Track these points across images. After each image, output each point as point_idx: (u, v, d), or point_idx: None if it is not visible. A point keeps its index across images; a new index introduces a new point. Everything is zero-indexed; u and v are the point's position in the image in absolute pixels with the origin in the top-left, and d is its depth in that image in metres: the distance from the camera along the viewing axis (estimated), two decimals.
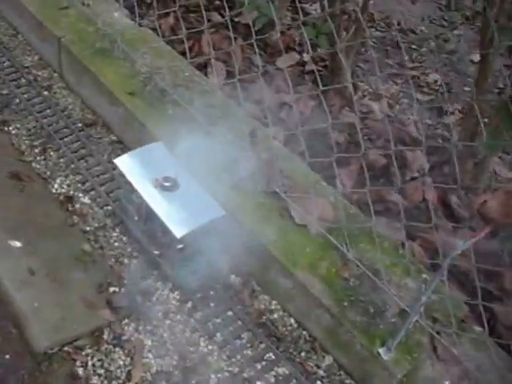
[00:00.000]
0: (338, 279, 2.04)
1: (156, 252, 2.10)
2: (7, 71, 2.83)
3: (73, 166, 2.45)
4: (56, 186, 2.38)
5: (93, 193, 2.37)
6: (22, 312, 1.96)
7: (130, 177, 2.04)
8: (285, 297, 2.11)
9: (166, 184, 2.00)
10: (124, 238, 2.25)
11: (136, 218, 2.14)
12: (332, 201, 2.23)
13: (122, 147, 2.52)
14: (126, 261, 2.18)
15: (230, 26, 2.46)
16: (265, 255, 2.09)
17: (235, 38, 3.06)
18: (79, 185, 2.40)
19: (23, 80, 2.80)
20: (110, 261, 2.18)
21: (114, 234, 2.26)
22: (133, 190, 2.05)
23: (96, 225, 2.28)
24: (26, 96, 2.72)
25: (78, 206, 2.33)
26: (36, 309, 1.97)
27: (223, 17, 3.23)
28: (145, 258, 2.16)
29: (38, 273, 2.07)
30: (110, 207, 2.33)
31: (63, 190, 2.37)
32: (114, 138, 2.59)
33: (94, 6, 2.86)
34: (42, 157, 2.48)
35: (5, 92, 2.73)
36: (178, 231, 1.91)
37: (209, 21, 3.19)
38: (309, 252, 2.08)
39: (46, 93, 2.75)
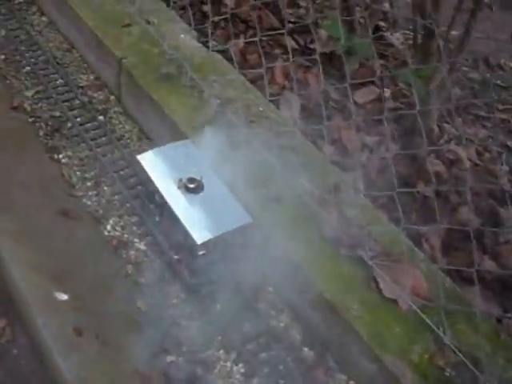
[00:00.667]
0: (431, 368, 1.74)
1: (176, 257, 1.94)
2: (60, 90, 2.59)
3: (128, 205, 2.18)
4: (109, 227, 2.12)
5: (150, 238, 2.10)
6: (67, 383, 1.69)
7: (152, 175, 1.94)
8: (366, 380, 1.82)
9: (190, 186, 1.89)
10: (183, 295, 1.97)
11: (157, 219, 2.02)
12: (424, 269, 1.93)
13: None
14: (184, 323, 1.91)
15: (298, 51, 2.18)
16: (346, 331, 1.80)
17: (311, 67, 2.81)
18: (135, 228, 2.13)
19: (77, 101, 2.55)
20: (166, 322, 1.90)
21: (172, 290, 1.99)
22: (155, 191, 1.95)
23: (152, 277, 2.00)
24: (79, 120, 2.47)
25: (132, 252, 2.06)
26: (83, 380, 1.70)
27: (297, 42, 2.96)
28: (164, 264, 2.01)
29: (86, 333, 1.80)
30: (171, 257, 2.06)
31: (117, 233, 2.11)
32: None
33: (158, 25, 2.60)
34: (95, 192, 2.22)
35: (57, 114, 2.49)
36: (199, 237, 1.80)
37: (280, 45, 2.95)
38: (399, 333, 1.79)
39: (101, 117, 2.49)
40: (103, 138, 2.41)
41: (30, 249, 1.99)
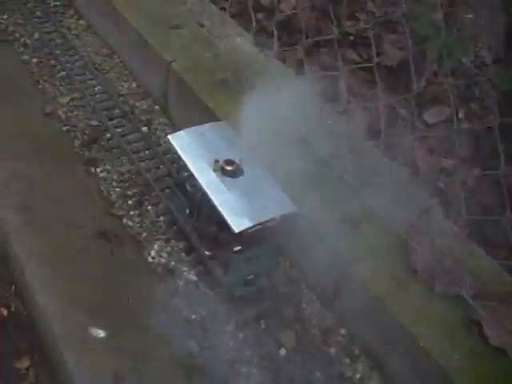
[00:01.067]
0: None
1: (207, 253, 1.70)
2: (98, 98, 2.30)
3: (176, 227, 1.86)
4: (153, 252, 1.81)
5: (201, 267, 1.78)
6: None
7: (184, 156, 1.67)
8: None
9: (228, 168, 1.61)
10: (241, 335, 1.65)
11: (188, 212, 1.74)
12: None
13: None
14: (244, 369, 1.58)
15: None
16: None
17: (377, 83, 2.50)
18: (183, 254, 1.82)
19: (117, 110, 2.26)
20: (222, 368, 1.57)
21: (229, 328, 1.66)
22: (186, 179, 1.72)
23: (204, 313, 1.68)
24: (119, 130, 2.18)
25: (181, 283, 1.74)
26: None
27: (360, 55, 2.66)
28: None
29: (126, 380, 1.47)
30: (223, 290, 1.74)
31: (162, 260, 1.80)
32: None
33: (211, 28, 2.31)
34: (137, 212, 1.92)
35: (94, 123, 2.20)
36: (238, 225, 1.52)
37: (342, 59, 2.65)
38: None
39: (144, 129, 2.20)
40: (147, 152, 2.11)
41: (62, 274, 1.68)
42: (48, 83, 2.34)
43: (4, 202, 1.81)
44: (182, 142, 1.71)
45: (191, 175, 1.66)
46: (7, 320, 1.65)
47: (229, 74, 2.13)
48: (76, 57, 2.47)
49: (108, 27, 2.51)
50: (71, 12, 2.71)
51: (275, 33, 2.21)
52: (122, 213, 1.90)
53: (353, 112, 2.30)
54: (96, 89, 2.33)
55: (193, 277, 1.77)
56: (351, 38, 2.81)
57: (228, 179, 1.61)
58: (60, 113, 2.20)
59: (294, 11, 2.80)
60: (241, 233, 1.54)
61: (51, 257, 1.72)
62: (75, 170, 2.01)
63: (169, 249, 1.83)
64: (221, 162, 1.63)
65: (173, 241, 1.85)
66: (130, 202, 1.94)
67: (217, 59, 2.19)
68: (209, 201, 1.59)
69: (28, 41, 2.53)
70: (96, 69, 2.42)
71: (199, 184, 1.61)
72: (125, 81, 2.40)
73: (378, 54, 2.67)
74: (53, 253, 1.73)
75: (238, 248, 1.61)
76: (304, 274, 1.81)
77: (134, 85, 2.38)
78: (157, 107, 2.28)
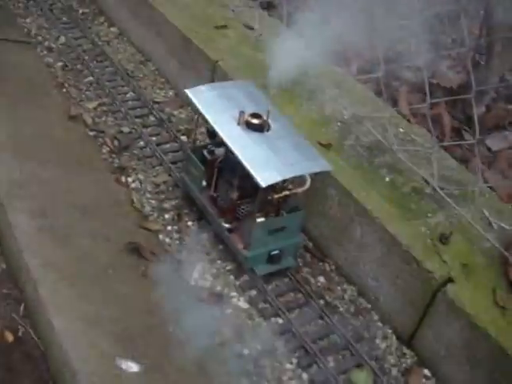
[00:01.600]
0: None
1: (226, 225, 1.49)
2: (131, 104, 2.02)
3: (221, 246, 1.54)
4: (196, 274, 1.49)
5: (254, 293, 1.45)
6: None
7: (204, 110, 1.47)
8: None
9: (254, 121, 1.42)
10: (305, 375, 1.30)
11: (204, 184, 1.54)
12: None
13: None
14: None
15: None
16: None
17: (437, 103, 2.24)
18: (231, 277, 1.49)
19: (152, 118, 1.98)
20: None
21: (289, 367, 1.32)
22: (204, 146, 1.56)
23: (259, 347, 1.35)
24: (154, 139, 1.88)
25: (229, 311, 1.41)
26: None
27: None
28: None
29: None
30: (280, 319, 1.41)
31: (206, 284, 1.47)
32: None
33: (261, 31, 2.04)
34: (175, 227, 1.61)
35: (126, 130, 1.91)
36: (265, 178, 1.32)
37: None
38: None
39: (183, 138, 1.90)
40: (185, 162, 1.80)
41: (87, 296, 1.35)
42: (73, 87, 2.07)
43: (18, 204, 1.50)
44: (202, 97, 1.50)
45: (212, 138, 1.52)
46: (13, 347, 1.32)
47: None
48: (106, 63, 2.21)
49: (143, 34, 2.25)
50: (101, 19, 2.46)
51: None
52: (157, 227, 1.59)
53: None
54: (128, 95, 2.06)
55: (243, 304, 1.45)
56: None
57: (254, 133, 1.42)
58: (86, 117, 1.92)
59: None
60: (266, 201, 1.39)
61: (71, 272, 1.40)
62: (102, 177, 1.71)
63: (214, 270, 1.51)
64: (246, 115, 1.43)
65: (219, 261, 1.53)
66: (167, 215, 1.63)
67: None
68: (231, 164, 1.43)
69: (53, 45, 2.27)
70: (128, 75, 2.15)
71: (221, 140, 1.41)
72: (160, 88, 2.12)
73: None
74: (73, 267, 1.41)
75: (262, 219, 1.41)
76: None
77: (171, 93, 2.11)
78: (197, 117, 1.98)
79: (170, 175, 1.76)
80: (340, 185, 1.52)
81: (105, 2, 2.50)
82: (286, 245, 1.47)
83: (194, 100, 1.50)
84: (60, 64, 2.17)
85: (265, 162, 1.36)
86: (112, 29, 2.41)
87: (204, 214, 1.58)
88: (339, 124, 1.71)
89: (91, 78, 2.12)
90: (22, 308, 1.39)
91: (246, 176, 1.36)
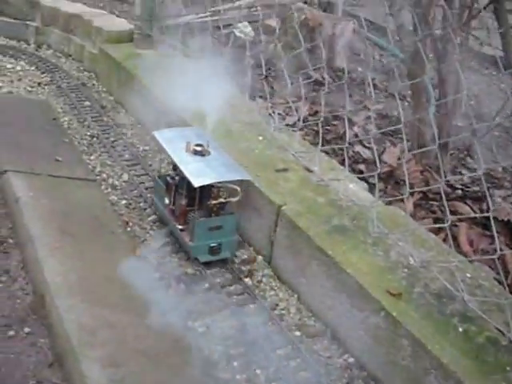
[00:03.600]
0: None
1: (179, 227, 1.99)
2: None
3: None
4: None
5: None
6: None
7: (164, 144, 2.05)
8: None
9: (197, 148, 1.98)
10: None
11: (167, 201, 2.05)
12: None
13: None
14: None
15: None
16: None
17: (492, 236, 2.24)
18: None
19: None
20: None
21: None
22: (167, 174, 2.09)
23: None
24: (219, 281, 1.90)
25: None
26: None
27: (471, 207, 2.43)
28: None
29: None
30: None
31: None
32: (351, 359, 1.68)
33: (319, 172, 2.09)
34: (244, 375, 1.59)
35: (189, 271, 1.93)
36: (198, 182, 1.85)
37: (453, 212, 2.40)
38: None
39: (247, 280, 1.92)
40: (251, 306, 1.82)
41: None
42: (137, 226, 2.12)
43: (90, 353, 1.51)
44: (164, 136, 2.09)
45: (174, 170, 2.04)
46: None
47: (346, 220, 1.88)
48: None
49: None
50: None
51: (377, 184, 2.02)
52: (227, 375, 1.58)
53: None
54: None
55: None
56: (459, 191, 2.59)
57: (197, 157, 1.95)
58: (151, 258, 1.95)
59: (398, 162, 2.62)
60: (207, 207, 1.91)
61: None
62: (167, 323, 1.71)
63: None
64: (192, 145, 1.97)
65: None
66: (235, 363, 1.62)
67: (331, 204, 1.95)
68: (182, 182, 1.96)
69: (116, 182, 2.35)
70: None
71: (174, 163, 1.99)
72: None
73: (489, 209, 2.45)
74: None
75: (202, 219, 1.90)
76: None
77: None
78: (260, 257, 2.02)
79: (236, 320, 1.76)
80: (412, 335, 1.51)
81: None
82: (224, 241, 1.94)
83: (158, 138, 2.08)
84: (124, 202, 2.24)
85: (200, 173, 1.88)
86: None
87: (166, 222, 2.09)
88: (406, 270, 1.72)
89: (154, 217, 2.18)
90: None
91: (192, 189, 1.88)
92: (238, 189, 1.90)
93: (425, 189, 2.39)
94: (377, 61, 3.99)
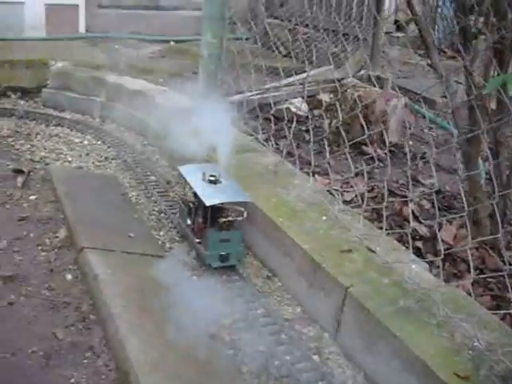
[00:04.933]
0: None
1: (197, 240, 2.48)
2: (262, 321, 2.17)
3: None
4: None
5: None
6: None
7: (185, 175, 2.59)
8: None
9: (211, 178, 2.49)
10: None
11: (189, 222, 2.57)
12: None
13: None
14: None
15: None
16: None
17: None
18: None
19: (283, 336, 2.11)
20: None
21: None
22: (190, 200, 2.66)
23: None
24: (288, 358, 2.00)
25: None
26: None
27: None
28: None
29: None
30: None
31: None
32: None
33: (381, 253, 2.19)
34: None
35: (261, 348, 2.03)
36: (209, 201, 2.35)
37: None
38: None
39: (315, 357, 2.02)
40: (320, 383, 1.90)
41: None
42: None
43: None
44: (186, 169, 2.63)
45: (195, 197, 2.53)
46: None
47: (411, 301, 1.97)
48: (236, 277, 2.38)
49: (268, 250, 2.44)
50: None
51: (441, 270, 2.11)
52: None
53: None
54: (259, 311, 2.21)
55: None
56: None
57: (211, 184, 2.47)
58: (224, 334, 2.06)
59: (455, 241, 2.71)
60: (218, 222, 2.41)
61: None
62: None
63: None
64: (207, 175, 2.49)
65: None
66: None
67: (396, 285, 2.04)
68: (199, 204, 2.48)
69: (186, 259, 2.48)
70: (258, 291, 2.32)
71: (194, 190, 2.50)
72: (288, 305, 2.27)
73: None
74: None
75: (214, 232, 2.40)
76: None
77: (299, 309, 2.25)
78: (326, 334, 2.11)
79: None
80: None
81: None
82: (232, 251, 2.40)
83: (182, 171, 2.62)
84: (195, 278, 2.36)
85: (211, 195, 2.39)
86: None
87: (187, 238, 2.60)
88: (470, 352, 1.80)
89: None
90: None
91: (206, 209, 2.39)
92: (243, 209, 2.40)
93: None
94: (427, 134, 4.11)
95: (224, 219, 2.40)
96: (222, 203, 2.39)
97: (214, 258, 2.37)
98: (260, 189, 2.62)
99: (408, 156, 2.97)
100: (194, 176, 2.52)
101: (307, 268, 2.21)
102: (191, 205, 2.54)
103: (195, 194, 2.49)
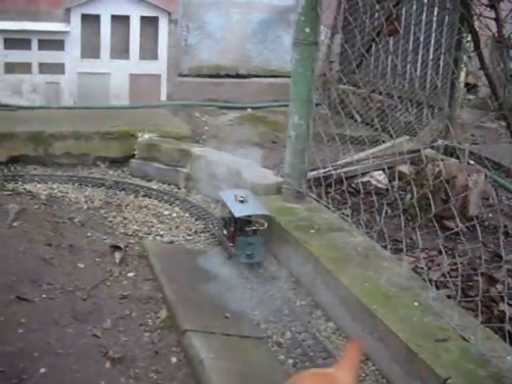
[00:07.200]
0: None
1: (230, 244, 3.25)
2: None
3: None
4: None
5: None
6: None
7: (223, 197, 3.39)
8: None
9: (240, 199, 3.26)
10: None
11: (225, 232, 3.34)
12: None
13: None
14: None
15: None
16: None
17: None
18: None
19: None
20: None
21: None
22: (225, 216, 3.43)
23: None
24: None
25: None
26: None
27: None
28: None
29: None
30: None
31: None
32: None
33: (476, 342, 2.25)
34: None
35: None
36: (238, 213, 3.19)
37: None
38: None
39: None
40: None
41: None
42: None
43: None
44: (225, 194, 3.42)
45: (229, 212, 3.29)
46: None
47: None
48: (328, 359, 2.47)
49: (360, 333, 2.52)
50: (318, 313, 2.78)
51: None
52: None
53: None
54: None
55: None
56: None
57: (240, 203, 3.24)
58: None
59: None
60: (245, 229, 3.22)
61: None
62: None
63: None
64: (238, 196, 3.25)
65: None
66: None
67: (493, 377, 2.10)
68: (233, 217, 3.25)
69: (280, 339, 2.58)
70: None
71: (228, 208, 3.28)
72: None
73: None
74: None
75: (242, 237, 3.18)
76: None
77: None
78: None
79: None
80: None
81: (318, 294, 2.84)
82: (255, 251, 3.17)
83: (221, 194, 3.45)
84: (291, 361, 2.46)
85: (240, 210, 3.20)
86: (329, 323, 2.72)
87: (223, 244, 3.38)
88: None
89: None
90: None
91: (236, 220, 3.22)
92: (264, 221, 3.23)
93: None
94: (506, 205, 4.14)
95: (249, 228, 3.21)
96: (249, 216, 3.22)
97: (242, 256, 3.14)
98: (353, 274, 2.71)
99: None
100: (229, 198, 3.31)
101: (403, 356, 2.28)
102: (227, 219, 3.33)
103: (230, 212, 3.24)
